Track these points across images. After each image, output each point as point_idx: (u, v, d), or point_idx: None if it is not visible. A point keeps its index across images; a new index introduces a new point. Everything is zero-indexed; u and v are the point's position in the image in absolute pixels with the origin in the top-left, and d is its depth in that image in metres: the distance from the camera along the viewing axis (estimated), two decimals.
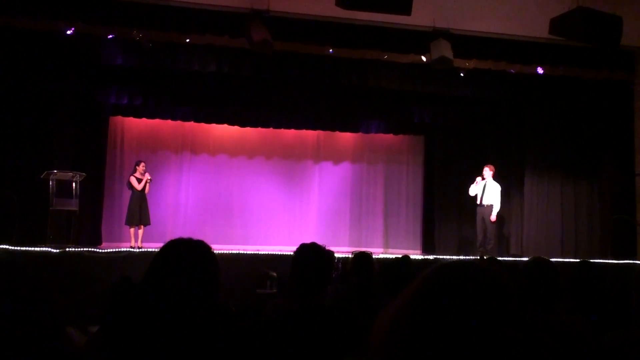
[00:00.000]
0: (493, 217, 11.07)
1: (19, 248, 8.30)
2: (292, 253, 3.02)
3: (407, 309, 1.19)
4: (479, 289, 1.17)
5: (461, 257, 9.33)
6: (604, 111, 11.88)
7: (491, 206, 11.11)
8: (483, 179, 11.23)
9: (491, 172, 11.25)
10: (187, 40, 9.74)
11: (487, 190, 11.18)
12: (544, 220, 12.26)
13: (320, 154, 13.48)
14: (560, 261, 8.48)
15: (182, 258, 1.99)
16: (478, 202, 11.26)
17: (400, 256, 5.38)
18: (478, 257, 8.08)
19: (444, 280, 1.20)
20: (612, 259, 10.26)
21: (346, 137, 13.49)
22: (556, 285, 2.92)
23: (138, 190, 10.44)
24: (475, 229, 11.56)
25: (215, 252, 2.11)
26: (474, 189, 11.29)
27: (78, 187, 10.00)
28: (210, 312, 1.95)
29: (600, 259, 10.35)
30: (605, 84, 11.07)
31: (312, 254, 2.91)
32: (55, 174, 9.78)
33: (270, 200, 12.99)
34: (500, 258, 9.66)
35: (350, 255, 5.02)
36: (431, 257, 10.11)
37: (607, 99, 11.49)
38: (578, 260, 4.95)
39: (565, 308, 3.11)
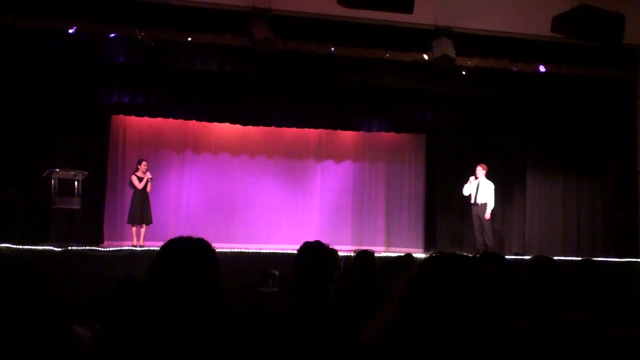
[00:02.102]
0: (487, 215, 11.12)
1: (21, 247, 8.31)
2: (294, 251, 3.01)
3: (398, 306, 1.19)
4: (462, 283, 1.18)
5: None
6: (606, 109, 11.85)
7: (485, 204, 11.16)
8: (476, 178, 11.28)
9: (484, 171, 11.30)
10: (189, 39, 9.74)
11: (480, 189, 11.23)
12: (547, 218, 12.25)
13: (322, 153, 13.48)
14: (562, 260, 8.46)
15: (183, 257, 1.98)
16: (472, 201, 11.34)
17: (403, 254, 5.38)
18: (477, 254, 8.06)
19: (431, 276, 1.21)
20: (615, 258, 10.25)
21: (348, 136, 13.48)
22: (559, 283, 2.91)
23: (140, 189, 10.45)
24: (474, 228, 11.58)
25: (217, 250, 2.10)
26: (467, 189, 11.36)
27: (80, 185, 10.01)
28: (213, 310, 1.94)
29: (603, 257, 10.34)
30: (608, 82, 11.05)
31: (315, 253, 2.90)
32: (58, 172, 9.80)
33: (272, 199, 12.98)
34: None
35: (352, 254, 5.02)
36: None
37: (610, 97, 11.46)
38: (581, 258, 4.94)
39: (568, 306, 3.10)
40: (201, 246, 2.04)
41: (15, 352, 1.17)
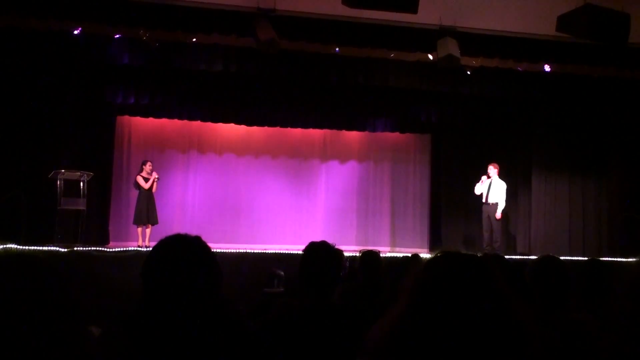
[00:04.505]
0: (498, 215, 11.08)
1: (27, 247, 8.33)
2: (299, 252, 3.00)
3: (405, 306, 1.19)
4: (469, 280, 1.18)
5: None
6: (611, 109, 11.82)
7: (496, 204, 11.11)
8: (488, 177, 11.25)
9: (496, 170, 11.26)
10: (194, 40, 9.76)
11: (492, 188, 11.19)
12: (552, 218, 12.22)
13: (326, 153, 13.48)
14: (568, 259, 8.45)
15: (175, 256, 1.95)
16: (484, 200, 11.29)
17: (409, 255, 5.37)
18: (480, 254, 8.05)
19: (437, 276, 1.21)
20: (621, 257, 10.22)
21: (353, 136, 13.48)
22: (566, 283, 2.91)
23: (145, 190, 10.47)
24: (482, 227, 11.55)
25: (222, 251, 2.09)
26: (479, 188, 11.31)
27: (86, 186, 10.04)
28: (216, 309, 1.93)
29: (609, 257, 10.31)
30: (613, 81, 11.01)
31: (321, 253, 2.90)
32: (63, 173, 9.82)
33: (277, 199, 12.99)
34: (507, 256, 9.65)
35: (357, 254, 5.02)
36: None
37: (615, 96, 11.43)
38: (586, 258, 4.93)
39: (574, 306, 3.10)
40: (193, 244, 2.01)
41: (31, 350, 1.17)
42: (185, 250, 1.96)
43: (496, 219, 11.12)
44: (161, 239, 2.01)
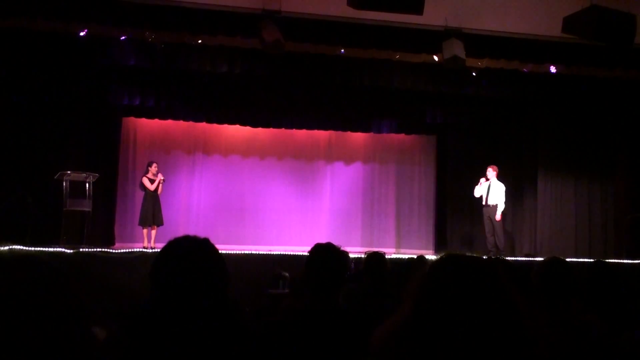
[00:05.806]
0: (498, 217, 11.07)
1: (32, 248, 8.35)
2: (304, 253, 3.00)
3: (410, 307, 1.19)
4: (473, 282, 1.18)
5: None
6: (617, 110, 11.79)
7: (496, 206, 11.10)
8: (487, 179, 11.23)
9: (494, 173, 11.24)
10: (199, 41, 9.78)
11: (491, 190, 11.19)
12: (558, 220, 12.20)
13: (332, 154, 13.48)
14: (574, 261, 8.42)
15: (184, 258, 1.95)
16: (483, 202, 11.29)
17: (415, 256, 5.36)
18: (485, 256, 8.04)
19: (443, 276, 1.21)
20: (627, 259, 10.18)
21: (358, 137, 13.47)
22: (572, 285, 2.90)
23: (151, 191, 10.49)
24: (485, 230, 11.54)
25: (227, 252, 2.08)
26: (478, 190, 11.31)
27: (91, 187, 10.06)
28: (222, 311, 1.93)
29: (615, 259, 10.28)
30: (619, 82, 10.98)
31: (327, 254, 2.89)
32: (69, 174, 9.85)
33: (282, 201, 12.99)
34: (513, 258, 9.64)
35: (362, 256, 5.01)
36: None
37: (621, 97, 11.40)
38: (592, 260, 4.91)
39: (580, 308, 3.09)
40: (202, 246, 2.01)
41: (35, 351, 1.17)
42: (193, 251, 1.97)
43: (497, 221, 11.11)
44: (170, 240, 2.02)
